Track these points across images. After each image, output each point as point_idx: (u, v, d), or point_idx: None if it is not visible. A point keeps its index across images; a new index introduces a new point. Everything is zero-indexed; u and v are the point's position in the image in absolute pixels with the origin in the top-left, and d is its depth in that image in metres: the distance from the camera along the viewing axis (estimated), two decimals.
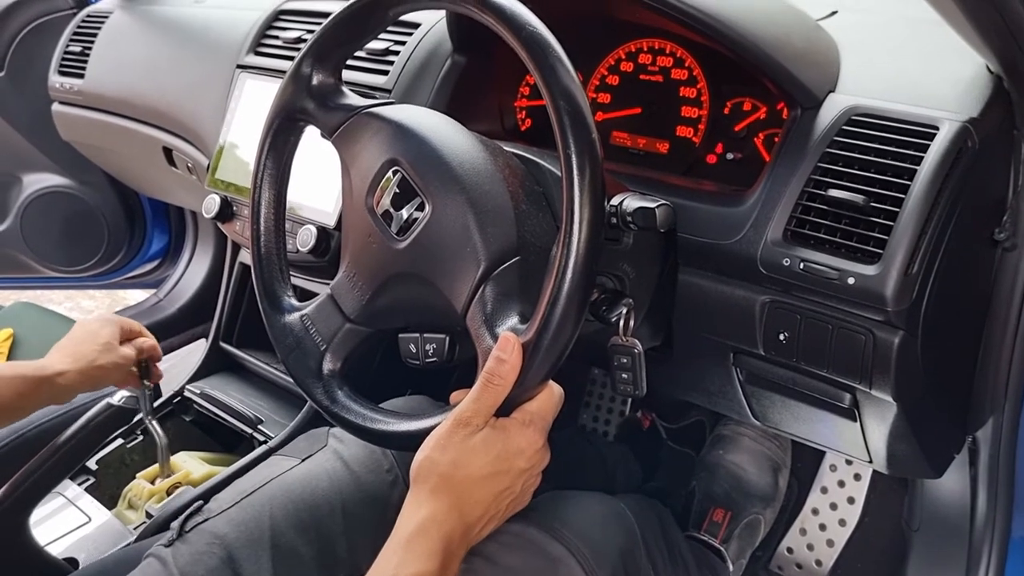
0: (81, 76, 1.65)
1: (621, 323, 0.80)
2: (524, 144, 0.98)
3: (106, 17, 1.67)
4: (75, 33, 1.72)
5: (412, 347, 0.83)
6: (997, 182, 0.86)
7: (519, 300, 0.74)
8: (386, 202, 0.79)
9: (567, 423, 1.49)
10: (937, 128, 0.78)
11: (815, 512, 1.31)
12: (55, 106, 1.75)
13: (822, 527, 1.30)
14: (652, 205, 0.75)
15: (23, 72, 1.85)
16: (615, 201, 0.78)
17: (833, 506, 1.30)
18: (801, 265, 0.80)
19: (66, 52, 1.71)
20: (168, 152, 1.52)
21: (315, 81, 0.86)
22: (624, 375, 0.82)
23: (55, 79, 1.71)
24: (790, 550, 1.32)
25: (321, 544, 0.85)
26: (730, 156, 0.99)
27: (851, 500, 1.29)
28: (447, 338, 0.81)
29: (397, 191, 0.79)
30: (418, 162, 0.78)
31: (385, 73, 1.12)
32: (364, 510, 0.87)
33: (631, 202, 0.76)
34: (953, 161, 0.76)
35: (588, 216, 0.66)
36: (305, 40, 1.21)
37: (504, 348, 0.68)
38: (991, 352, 0.92)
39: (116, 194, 2.00)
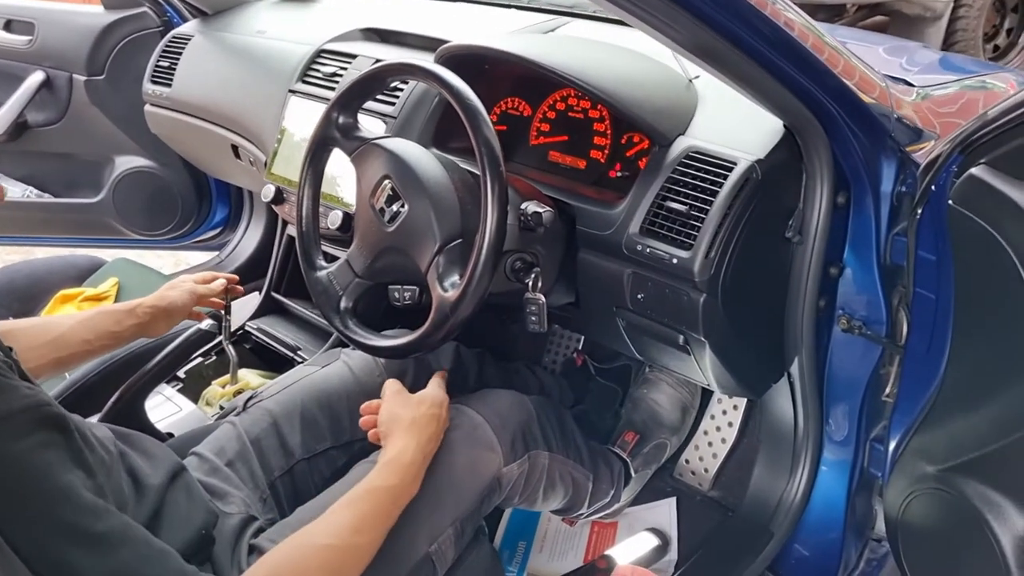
0: (169, 85, 2.09)
1: (531, 283, 1.25)
2: None
3: (188, 39, 2.10)
4: (163, 51, 2.13)
5: (396, 293, 1.29)
6: (788, 197, 1.28)
7: (459, 265, 1.18)
8: (381, 201, 1.25)
9: (533, 358, 1.94)
10: (735, 164, 1.21)
11: (705, 433, 1.75)
12: (147, 107, 2.17)
13: (709, 444, 1.74)
14: (541, 210, 1.20)
15: (118, 76, 2.31)
16: (523, 205, 1.23)
17: (718, 429, 1.74)
18: (648, 250, 1.24)
19: (157, 65, 2.13)
20: (235, 148, 1.97)
21: (340, 121, 1.31)
22: (533, 317, 1.26)
23: (148, 86, 2.13)
24: (687, 461, 1.76)
25: (332, 417, 1.31)
26: (624, 173, 1.42)
27: (730, 424, 1.73)
28: (417, 289, 1.27)
29: (389, 194, 1.25)
30: (400, 177, 1.23)
31: (392, 104, 1.57)
32: (361, 398, 1.33)
33: (531, 207, 1.21)
34: (741, 186, 1.19)
35: (495, 217, 1.11)
36: (339, 75, 1.67)
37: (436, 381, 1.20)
38: (791, 314, 1.35)
39: (188, 174, 2.45)
